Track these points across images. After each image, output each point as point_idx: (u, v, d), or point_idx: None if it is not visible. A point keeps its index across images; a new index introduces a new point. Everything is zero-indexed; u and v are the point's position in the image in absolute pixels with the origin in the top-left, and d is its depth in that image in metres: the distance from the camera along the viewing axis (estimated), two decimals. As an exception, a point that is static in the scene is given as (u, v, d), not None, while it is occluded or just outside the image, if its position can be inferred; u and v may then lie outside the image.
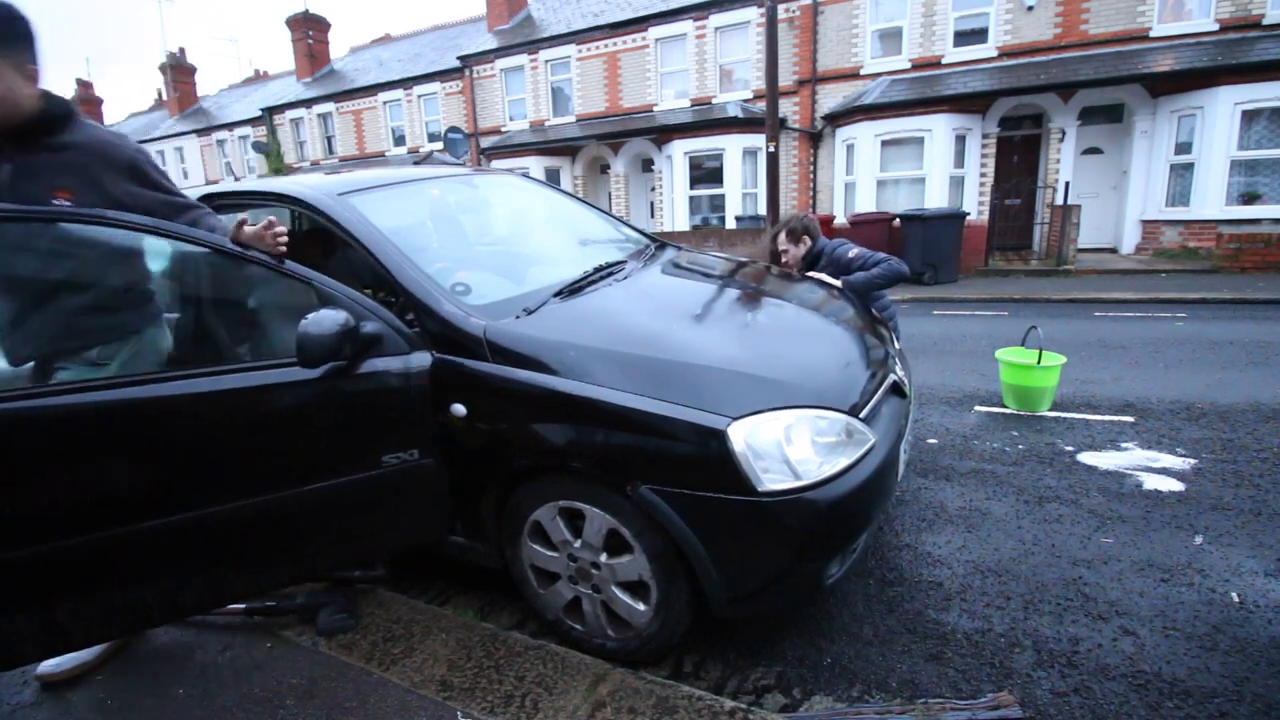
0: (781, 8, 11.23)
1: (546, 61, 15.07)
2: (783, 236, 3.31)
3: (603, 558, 1.77)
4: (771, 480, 1.54)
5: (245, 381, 1.65)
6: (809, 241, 3.29)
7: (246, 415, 1.67)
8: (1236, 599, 2.05)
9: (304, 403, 1.70)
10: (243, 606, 2.14)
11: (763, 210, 11.64)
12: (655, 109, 13.81)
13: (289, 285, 1.82)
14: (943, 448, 3.40)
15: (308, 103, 19.39)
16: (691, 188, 13.01)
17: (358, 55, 21.70)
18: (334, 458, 1.76)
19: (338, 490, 1.75)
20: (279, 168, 19.68)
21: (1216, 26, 9.44)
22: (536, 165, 14.43)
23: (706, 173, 12.88)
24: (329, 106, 19.03)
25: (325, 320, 1.60)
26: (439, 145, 15.98)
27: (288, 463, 1.71)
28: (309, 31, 20.74)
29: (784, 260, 3.36)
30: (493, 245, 2.80)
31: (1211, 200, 9.23)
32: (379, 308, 1.82)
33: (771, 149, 9.56)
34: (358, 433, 1.77)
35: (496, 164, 14.69)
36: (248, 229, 1.76)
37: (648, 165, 14.65)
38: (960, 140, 10.57)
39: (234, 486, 1.66)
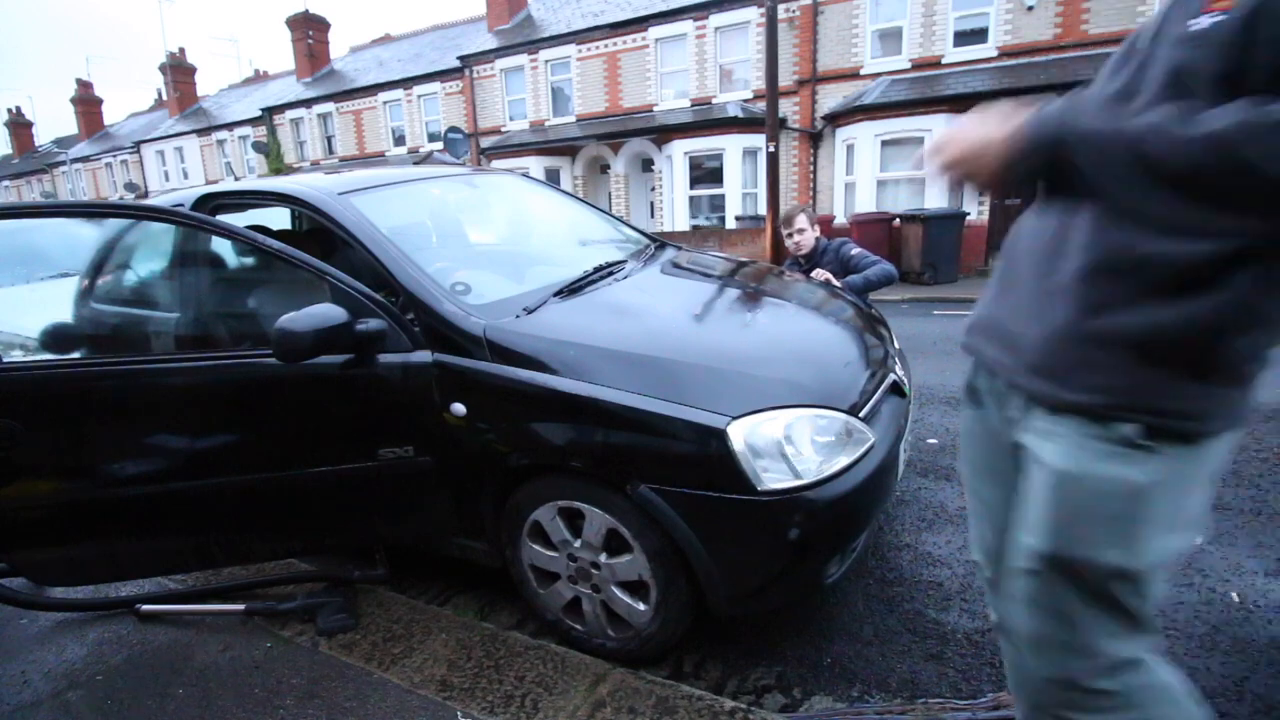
0: (781, 8, 11.22)
1: (546, 61, 15.07)
2: (802, 218, 3.50)
3: (602, 557, 1.77)
4: (771, 479, 1.54)
5: (270, 369, 1.77)
6: (817, 228, 3.58)
7: (263, 396, 1.89)
8: (1236, 599, 2.05)
9: (318, 391, 1.86)
10: (242, 607, 2.14)
11: (763, 210, 11.63)
12: (655, 109, 13.80)
13: (308, 279, 1.86)
14: (943, 448, 3.40)
15: (308, 103, 19.39)
16: (691, 188, 13.00)
17: (358, 55, 21.70)
18: (337, 445, 1.91)
19: (339, 476, 1.90)
20: (279, 168, 19.69)
21: (1216, 26, 9.44)
22: (536, 165, 14.42)
23: (706, 173, 12.87)
24: (329, 106, 19.03)
25: (301, 320, 1.61)
26: (439, 145, 15.97)
27: (299, 444, 1.92)
28: (309, 31, 20.75)
29: (799, 246, 3.51)
30: (493, 245, 2.80)
31: (1211, 200, 9.23)
32: (386, 305, 1.83)
33: (771, 149, 9.57)
34: (357, 424, 1.88)
35: (496, 164, 14.69)
36: None
37: (648, 165, 14.65)
38: (960, 140, 10.56)
39: (254, 459, 1.92)
